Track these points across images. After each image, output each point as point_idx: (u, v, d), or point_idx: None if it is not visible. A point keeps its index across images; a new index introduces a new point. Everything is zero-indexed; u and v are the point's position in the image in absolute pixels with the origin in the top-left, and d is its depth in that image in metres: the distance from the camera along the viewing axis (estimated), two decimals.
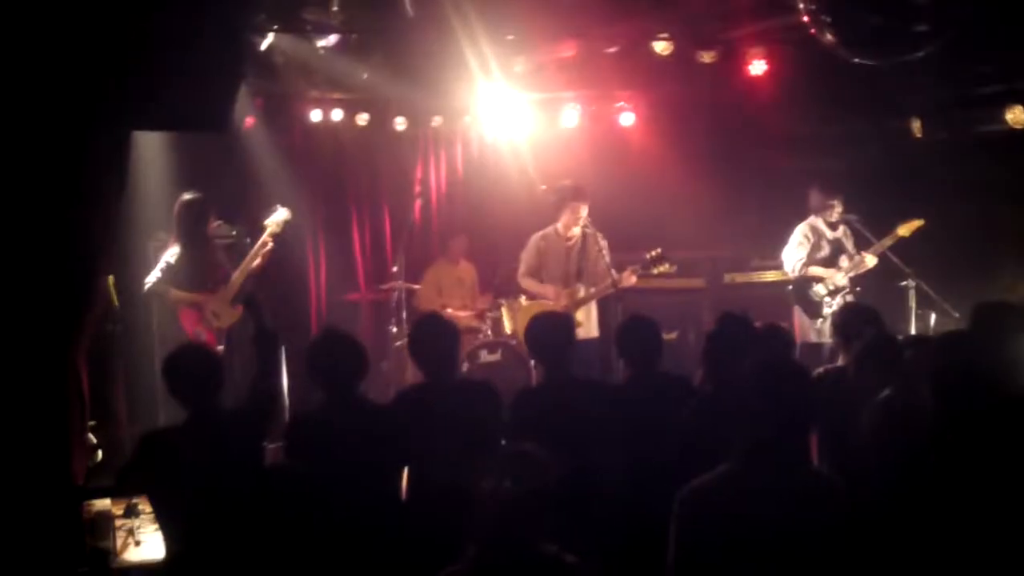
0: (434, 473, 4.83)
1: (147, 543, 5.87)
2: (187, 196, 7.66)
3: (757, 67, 8.70)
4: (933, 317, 8.33)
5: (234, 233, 8.26)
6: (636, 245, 8.56)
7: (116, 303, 7.10)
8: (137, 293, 7.54)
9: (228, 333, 7.71)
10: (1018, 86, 8.11)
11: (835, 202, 8.57)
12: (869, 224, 8.56)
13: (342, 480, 4.47)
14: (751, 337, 5.04)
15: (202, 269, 7.70)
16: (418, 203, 9.83)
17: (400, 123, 9.94)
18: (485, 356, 8.90)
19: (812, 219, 8.71)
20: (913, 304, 8.40)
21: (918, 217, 8.44)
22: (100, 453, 6.76)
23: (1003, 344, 3.14)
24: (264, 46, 8.01)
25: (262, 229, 7.90)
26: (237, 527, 4.24)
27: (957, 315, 7.97)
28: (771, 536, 3.11)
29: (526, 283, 8.38)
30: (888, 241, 8.43)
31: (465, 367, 8.27)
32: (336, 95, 9.50)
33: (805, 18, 5.94)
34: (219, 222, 7.95)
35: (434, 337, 5.14)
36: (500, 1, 7.79)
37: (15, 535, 4.83)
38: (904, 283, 8.39)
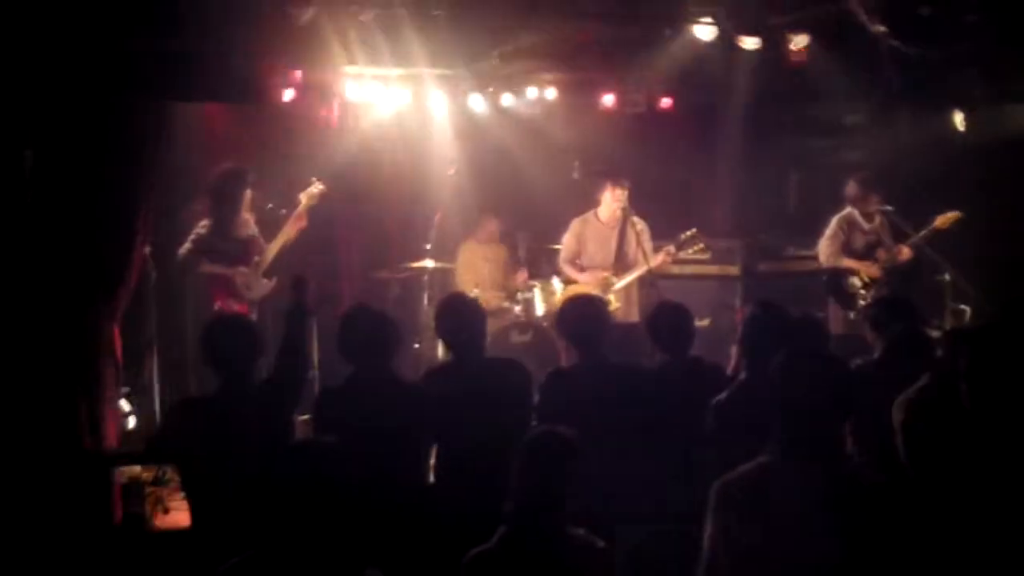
0: (463, 451, 4.84)
1: (175, 511, 5.91)
2: (224, 167, 7.68)
3: (800, 54, 8.60)
4: (968, 311, 8.26)
5: (269, 206, 8.27)
6: (671, 232, 8.52)
7: (152, 273, 7.14)
8: (171, 263, 7.56)
9: (260, 305, 7.73)
10: None
11: (872, 195, 8.50)
12: (907, 216, 8.48)
13: (370, 455, 4.47)
14: (787, 326, 5.00)
15: (235, 240, 7.71)
16: (453, 182, 9.79)
17: (438, 101, 9.89)
18: (516, 337, 8.90)
19: (848, 210, 8.64)
20: (949, 298, 8.33)
21: (956, 210, 8.36)
22: (132, 419, 6.81)
23: None
24: (304, 19, 7.99)
25: (296, 202, 7.91)
26: (264, 498, 4.26)
27: (992, 309, 7.89)
28: (809, 529, 3.09)
29: (566, 269, 8.39)
30: (925, 233, 8.35)
31: (495, 347, 8.27)
32: (375, 71, 9.47)
33: (852, 6, 5.87)
34: (254, 194, 7.97)
35: (458, 317, 5.15)
36: None
37: (48, 498, 4.88)
38: (940, 276, 8.32)
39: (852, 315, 8.35)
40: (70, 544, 4.94)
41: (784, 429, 3.25)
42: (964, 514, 2.88)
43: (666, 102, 10.03)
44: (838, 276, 8.57)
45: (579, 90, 9.89)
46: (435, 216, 9.42)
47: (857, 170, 8.77)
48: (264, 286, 7.67)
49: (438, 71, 9.28)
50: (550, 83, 9.64)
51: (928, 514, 3.00)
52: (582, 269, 8.26)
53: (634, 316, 8.09)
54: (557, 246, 8.64)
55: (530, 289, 9.29)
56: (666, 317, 5.37)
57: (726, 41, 8.19)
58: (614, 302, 7.76)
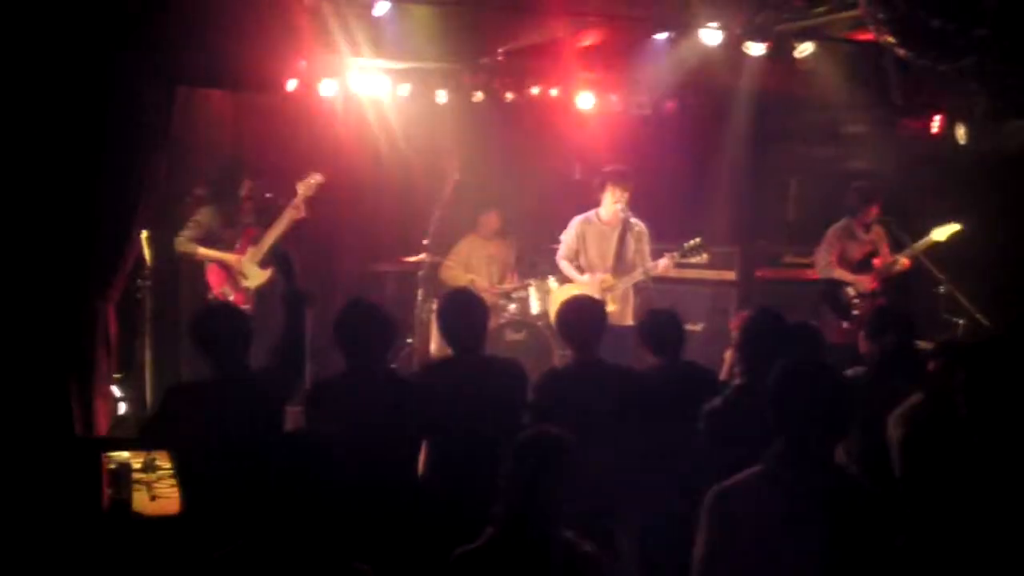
0: (455, 448, 4.83)
1: (163, 499, 5.88)
2: (223, 157, 7.68)
3: (802, 61, 8.60)
4: (962, 324, 8.25)
5: (268, 195, 8.27)
6: (670, 235, 8.51)
7: (148, 258, 7.12)
8: (168, 249, 7.55)
9: (257, 294, 7.72)
10: None
11: (871, 205, 8.51)
12: (907, 227, 8.48)
13: (362, 449, 4.46)
14: (785, 333, 5.00)
15: (233, 229, 7.72)
16: (455, 176, 9.77)
17: (442, 95, 9.88)
18: (510, 335, 8.90)
19: (846, 220, 8.66)
20: (943, 310, 8.34)
21: (956, 223, 8.36)
22: (124, 405, 6.80)
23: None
24: (311, 9, 7.97)
25: (295, 192, 7.90)
26: (254, 489, 4.24)
27: (987, 324, 7.89)
28: (801, 539, 3.08)
29: (563, 267, 8.36)
30: (922, 245, 8.36)
31: (489, 345, 8.26)
32: (381, 63, 9.46)
33: (862, 14, 5.86)
34: (253, 183, 7.96)
35: (463, 312, 5.13)
36: None
37: (37, 482, 4.86)
38: (936, 288, 8.32)
39: (846, 324, 8.35)
40: (57, 530, 4.92)
41: (782, 439, 3.24)
42: (960, 527, 2.88)
43: (670, 105, 10.03)
44: (833, 285, 8.59)
45: (583, 90, 9.89)
46: (434, 211, 9.39)
47: (857, 180, 8.77)
48: (261, 275, 7.66)
49: (443, 66, 9.27)
50: (554, 82, 9.64)
51: (924, 527, 3.00)
52: (581, 270, 8.23)
53: (628, 319, 8.07)
54: (555, 245, 8.61)
55: (526, 288, 9.28)
56: (657, 323, 5.40)
57: (732, 47, 8.19)
58: (610, 304, 7.74)
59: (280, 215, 7.84)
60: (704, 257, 8.10)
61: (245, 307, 7.52)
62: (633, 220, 8.06)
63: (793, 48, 8.16)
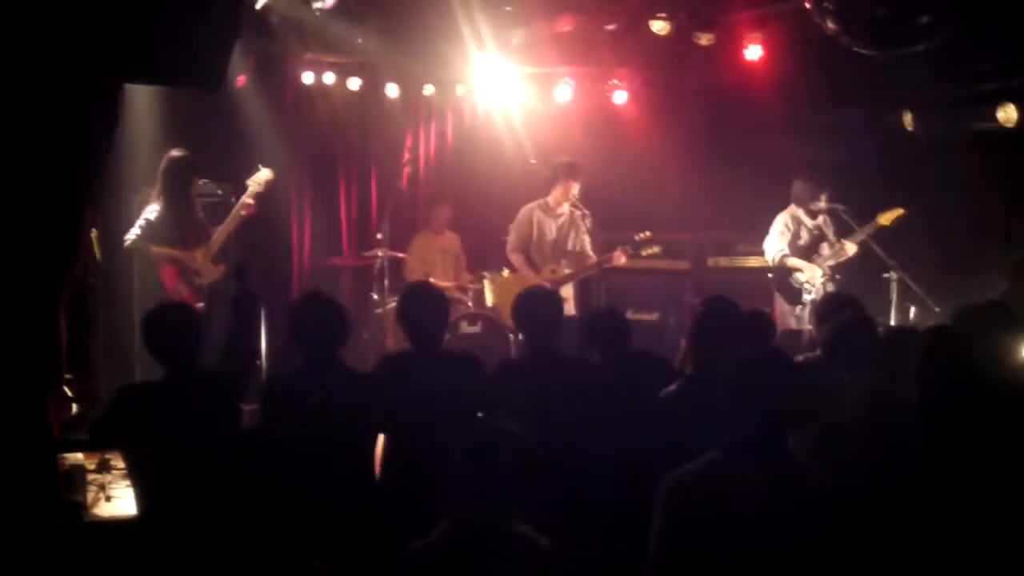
0: (412, 443, 4.82)
1: (118, 499, 5.84)
2: (174, 153, 7.61)
3: (753, 52, 8.67)
4: (913, 310, 8.35)
5: (219, 192, 8.22)
6: (623, 224, 8.56)
7: (98, 257, 7.05)
8: (118, 247, 7.48)
9: (208, 290, 7.67)
10: (1012, 85, 8.10)
11: (819, 194, 8.58)
12: (857, 215, 8.57)
13: (317, 445, 4.44)
14: (736, 321, 5.03)
15: (184, 226, 7.65)
16: (406, 171, 9.77)
17: (392, 90, 9.87)
18: (465, 327, 8.91)
19: (792, 208, 8.74)
20: (895, 296, 8.43)
21: (902, 208, 8.46)
22: (76, 406, 6.73)
23: (992, 342, 3.13)
24: (260, 4, 7.93)
25: (245, 189, 7.86)
26: (209, 487, 4.22)
27: (938, 309, 7.99)
28: (755, 526, 3.10)
29: (514, 260, 8.36)
30: (869, 229, 8.43)
31: (445, 338, 8.26)
32: (330, 58, 9.43)
33: (807, 4, 5.91)
34: (204, 180, 7.91)
35: (423, 306, 5.12)
36: None
37: None
38: (887, 275, 8.41)
39: (798, 310, 8.44)
40: (10, 534, 4.87)
41: (736, 427, 3.26)
42: (919, 514, 2.90)
43: (621, 96, 10.07)
44: (784, 273, 8.66)
45: (535, 81, 9.92)
46: (387, 205, 9.38)
47: (804, 170, 8.85)
48: (213, 271, 7.61)
49: (393, 60, 9.25)
50: (506, 74, 9.65)
51: (879, 513, 3.01)
52: (533, 261, 8.23)
53: (571, 311, 8.11)
54: (507, 237, 8.61)
55: (480, 280, 9.30)
56: (599, 321, 5.41)
57: (681, 36, 8.23)
58: (563, 294, 7.77)
59: (231, 212, 7.79)
60: (655, 249, 8.14)
61: (198, 304, 7.46)
62: (583, 212, 8.08)
63: (743, 38, 8.22)
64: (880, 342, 5.11)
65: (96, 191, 5.49)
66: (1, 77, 4.94)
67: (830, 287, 8.45)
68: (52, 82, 5.08)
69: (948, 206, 9.08)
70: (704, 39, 8.15)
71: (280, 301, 8.14)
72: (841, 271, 8.64)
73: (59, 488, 5.49)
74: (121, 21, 4.95)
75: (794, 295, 8.56)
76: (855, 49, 5.96)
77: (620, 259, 7.96)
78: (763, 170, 9.70)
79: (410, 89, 10.01)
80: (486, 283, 9.24)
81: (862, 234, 8.43)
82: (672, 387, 4.77)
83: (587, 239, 8.06)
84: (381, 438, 5.02)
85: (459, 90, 10.06)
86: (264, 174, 7.86)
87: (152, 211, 7.52)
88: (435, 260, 9.73)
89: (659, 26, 8.02)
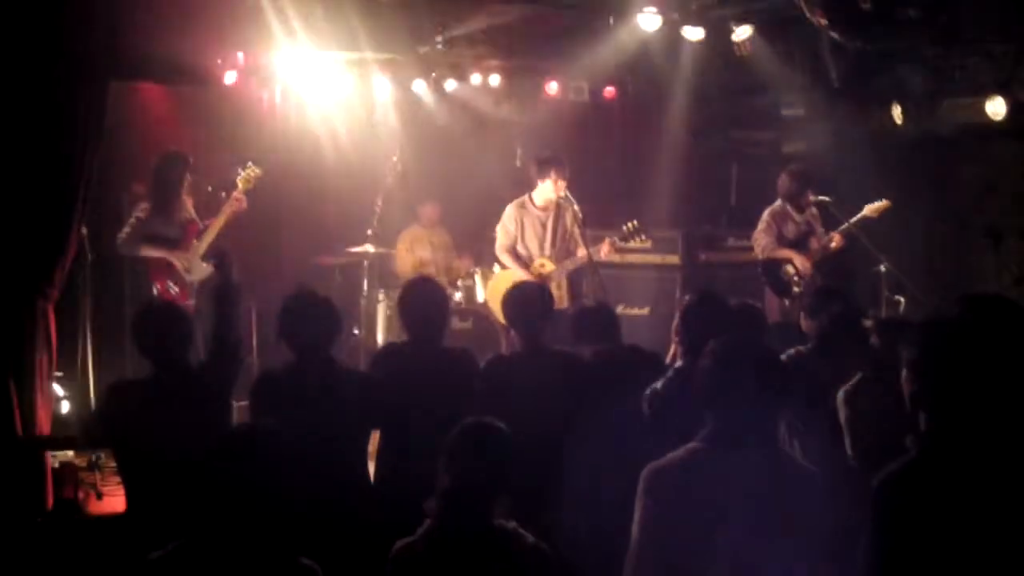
0: (407, 439, 4.82)
1: (109, 496, 5.85)
2: (165, 151, 7.61)
3: (741, 46, 8.67)
4: (903, 303, 8.38)
5: (209, 189, 8.21)
6: (613, 221, 8.55)
7: (89, 255, 7.04)
8: (109, 245, 7.47)
9: (199, 288, 7.66)
10: (1000, 78, 8.12)
11: (805, 190, 8.60)
12: (846, 209, 8.59)
13: (308, 442, 4.44)
14: (725, 315, 5.04)
15: (174, 224, 7.65)
16: (396, 166, 9.74)
17: (382, 86, 9.85)
18: (456, 323, 8.91)
19: (779, 203, 8.75)
20: (884, 289, 8.45)
21: (891, 202, 8.48)
22: (66, 404, 6.72)
23: (992, 336, 3.12)
24: (251, 1, 7.92)
25: (235, 186, 7.85)
26: (199, 484, 4.21)
27: (927, 301, 8.02)
28: (736, 517, 3.10)
29: (503, 258, 8.34)
30: (854, 221, 8.45)
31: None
32: (320, 54, 9.40)
33: None
34: (194, 177, 7.90)
35: (425, 300, 5.12)
36: None
37: None
38: (876, 268, 8.43)
39: (787, 303, 8.45)
40: (1, 531, 4.87)
41: (714, 417, 3.27)
42: (916, 502, 2.90)
43: (609, 91, 10.07)
44: (773, 265, 8.67)
45: (523, 77, 9.91)
46: (376, 201, 9.37)
47: (790, 163, 8.87)
48: (204, 269, 7.60)
49: (382, 56, 9.24)
50: (494, 70, 9.64)
51: (877, 503, 3.01)
52: (521, 258, 8.22)
53: (564, 303, 8.11)
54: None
55: (471, 276, 9.30)
56: (588, 316, 5.42)
57: (670, 31, 8.23)
58: (553, 289, 7.77)
59: (220, 209, 7.79)
60: (644, 239, 8.13)
61: (189, 302, 7.46)
62: (574, 206, 8.06)
63: (730, 32, 8.22)
64: (868, 335, 5.11)
65: (86, 189, 5.49)
66: None
67: (819, 280, 8.47)
68: (42, 82, 5.09)
69: (937, 200, 9.11)
70: (692, 34, 8.15)
71: (270, 298, 8.14)
72: (830, 264, 8.66)
73: (49, 486, 5.49)
74: (112, 19, 4.95)
75: (784, 288, 8.57)
76: (844, 42, 5.98)
77: (604, 250, 7.95)
78: (752, 164, 9.73)
79: (400, 85, 9.99)
80: (477, 279, 9.24)
81: (849, 226, 8.46)
82: (660, 381, 4.78)
83: (577, 232, 8.05)
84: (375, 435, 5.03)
85: (448, 85, 10.04)
86: (253, 171, 7.85)
87: (143, 209, 7.52)
88: (426, 255, 9.73)
89: (650, 21, 8.01)
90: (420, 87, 9.86)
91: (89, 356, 7.34)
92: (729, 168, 10.47)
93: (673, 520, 3.17)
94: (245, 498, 3.07)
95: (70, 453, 5.89)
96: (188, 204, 7.84)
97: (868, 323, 5.52)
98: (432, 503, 3.37)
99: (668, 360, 5.38)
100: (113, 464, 5.28)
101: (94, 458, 6.17)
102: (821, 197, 8.59)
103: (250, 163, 7.89)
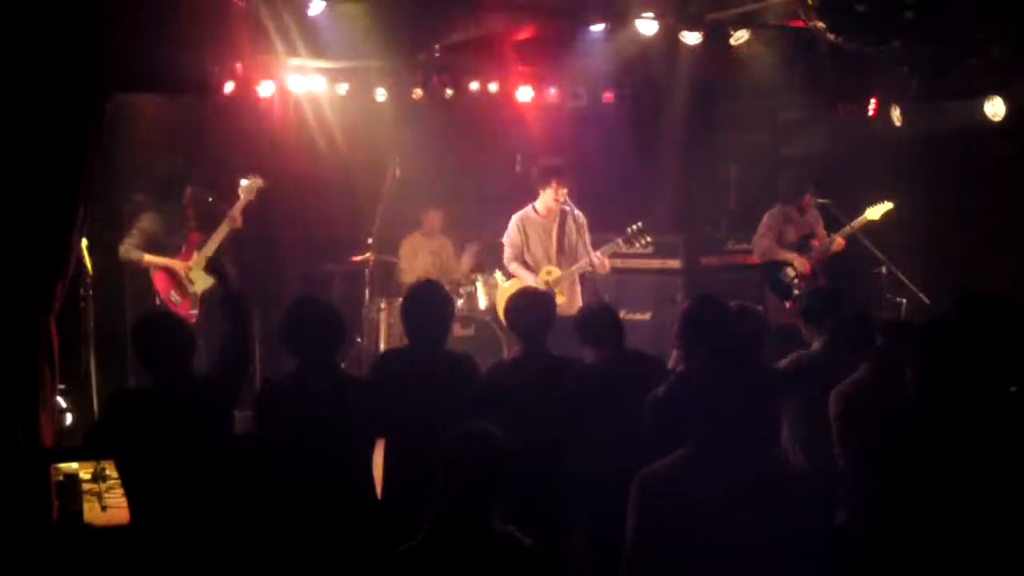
0: (413, 445, 4.81)
1: (113, 508, 5.84)
2: (166, 162, 7.63)
3: (739, 49, 8.68)
4: (905, 304, 8.38)
5: (211, 199, 8.22)
6: (614, 225, 8.56)
7: (89, 266, 7.06)
8: (110, 257, 7.48)
9: (203, 298, 7.68)
10: (998, 78, 8.13)
11: (805, 192, 8.62)
12: (846, 211, 8.61)
13: (312, 450, 4.45)
14: (725, 319, 5.04)
15: (176, 234, 7.67)
16: (396, 174, 9.75)
17: (381, 94, 9.87)
18: (458, 330, 8.90)
19: (780, 205, 8.76)
20: (885, 290, 8.46)
21: (892, 204, 8.49)
22: (69, 416, 6.73)
23: (993, 336, 3.11)
24: (248, 10, 7.93)
25: (237, 196, 7.87)
26: (203, 495, 4.21)
27: (929, 303, 8.02)
28: (726, 521, 3.09)
29: (513, 269, 8.34)
30: (857, 224, 8.48)
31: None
32: (318, 63, 9.42)
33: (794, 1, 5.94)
34: (196, 188, 7.91)
35: (427, 305, 5.13)
36: None
37: None
38: (877, 269, 8.44)
39: (788, 305, 8.46)
40: (5, 544, 4.87)
41: (703, 422, 3.27)
42: (919, 504, 2.90)
43: (608, 96, 10.08)
44: (773, 268, 8.69)
45: (521, 84, 9.92)
46: (377, 209, 9.38)
47: (790, 166, 8.89)
48: (207, 279, 7.62)
49: (381, 64, 9.25)
50: (493, 76, 9.65)
51: (880, 506, 3.01)
52: (528, 267, 8.24)
53: (575, 309, 8.10)
54: (498, 240, 8.62)
55: (472, 283, 9.31)
56: (592, 318, 5.42)
57: (668, 36, 8.24)
58: (559, 296, 7.78)
59: (223, 219, 7.81)
60: (648, 242, 8.14)
61: (192, 312, 7.49)
62: (574, 211, 8.07)
63: (729, 36, 8.23)
64: (874, 335, 5.12)
65: (86, 201, 5.49)
66: None
67: (820, 281, 8.49)
68: (41, 93, 5.09)
69: (937, 200, 9.11)
70: (691, 37, 8.16)
71: (273, 307, 8.15)
72: (831, 266, 8.67)
73: (54, 498, 5.49)
74: (112, 30, 4.96)
75: (784, 290, 8.59)
76: (842, 45, 5.99)
77: (604, 267, 7.97)
78: (753, 167, 9.74)
79: (399, 93, 10.00)
80: (478, 286, 9.25)
81: (850, 228, 8.47)
82: (661, 387, 4.78)
83: (583, 236, 8.06)
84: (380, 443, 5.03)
85: (448, 93, 10.05)
86: (256, 182, 7.87)
87: (145, 219, 7.54)
88: (426, 262, 9.74)
89: (646, 25, 8.02)
90: (419, 94, 9.88)
91: (92, 368, 7.35)
92: (728, 171, 10.47)
93: (665, 526, 3.17)
94: (247, 507, 3.08)
95: (74, 465, 5.90)
96: (191, 214, 7.86)
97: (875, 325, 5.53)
98: (430, 509, 3.38)
99: (670, 365, 5.38)
100: (116, 476, 5.28)
101: (98, 470, 6.17)
102: (822, 199, 8.61)
103: (251, 173, 7.91)
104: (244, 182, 7.87)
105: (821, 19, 5.60)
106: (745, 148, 10.07)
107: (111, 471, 5.98)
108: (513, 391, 4.98)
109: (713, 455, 3.19)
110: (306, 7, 7.55)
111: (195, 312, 7.50)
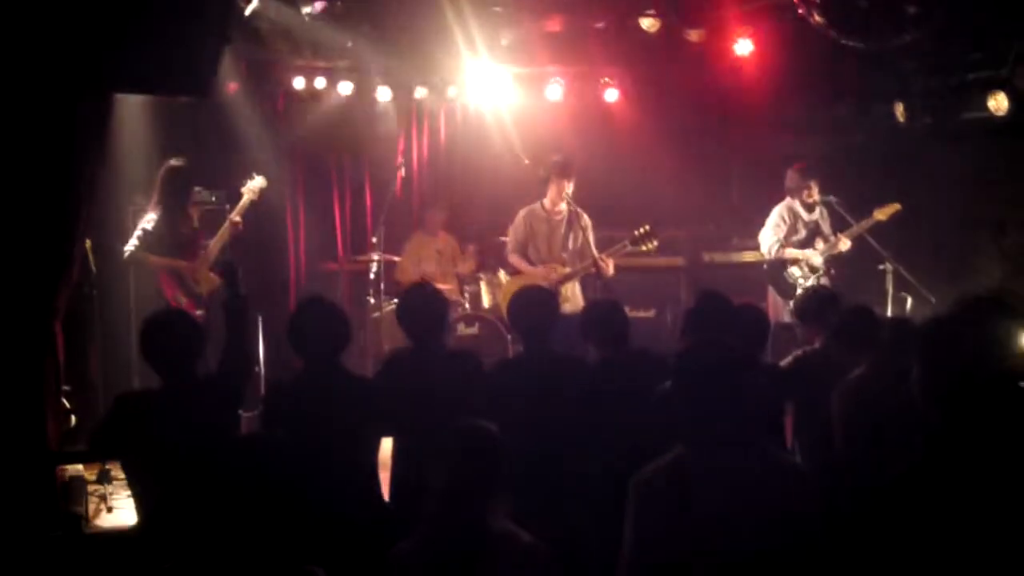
0: (419, 444, 4.82)
1: (119, 510, 5.85)
2: (172, 162, 7.63)
3: (744, 47, 8.69)
4: (910, 301, 8.37)
5: (213, 199, 8.23)
6: (617, 221, 8.57)
7: (93, 268, 7.06)
8: (114, 258, 7.49)
9: (208, 299, 7.68)
10: (1002, 74, 8.12)
11: (811, 184, 8.62)
12: (850, 207, 8.60)
13: (318, 450, 4.44)
14: (729, 316, 5.04)
15: (181, 235, 7.67)
16: (400, 174, 9.76)
17: (383, 93, 9.88)
18: (462, 329, 8.92)
19: (789, 201, 8.76)
20: (890, 287, 8.45)
21: (897, 201, 8.49)
22: (74, 418, 6.73)
23: (994, 332, 3.10)
24: (249, 11, 7.94)
25: (240, 196, 7.88)
26: (209, 495, 4.21)
27: (934, 300, 8.01)
28: (723, 520, 3.09)
29: (514, 261, 8.36)
30: (864, 224, 8.48)
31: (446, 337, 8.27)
32: (320, 63, 9.43)
33: None
34: (199, 188, 7.92)
35: (423, 305, 5.13)
36: None
37: None
38: (882, 267, 8.43)
39: (792, 304, 8.46)
40: (11, 546, 4.87)
41: (697, 421, 3.26)
42: (921, 504, 2.89)
43: (612, 94, 10.08)
44: (779, 266, 8.68)
45: (526, 81, 9.92)
46: (382, 209, 9.38)
47: (797, 161, 8.88)
48: (212, 280, 7.62)
49: (384, 63, 9.26)
50: (496, 75, 9.65)
51: (882, 505, 3.00)
52: (532, 263, 8.25)
53: (579, 307, 8.11)
54: (504, 238, 8.63)
55: (476, 281, 9.31)
56: (599, 314, 5.41)
57: (672, 33, 8.24)
58: (564, 294, 7.78)
59: (228, 219, 7.82)
60: (654, 244, 8.15)
61: (198, 313, 7.47)
62: (578, 211, 8.10)
63: (732, 34, 8.23)
64: (877, 331, 5.11)
65: (88, 202, 5.50)
66: None
67: (825, 281, 8.49)
68: (42, 94, 5.09)
69: (941, 196, 9.10)
70: (694, 35, 8.16)
71: (277, 307, 8.16)
72: (836, 264, 8.66)
73: (59, 500, 5.50)
74: (110, 31, 4.95)
75: (788, 289, 8.58)
76: (843, 42, 5.99)
77: (608, 270, 7.97)
78: (755, 164, 9.72)
79: (402, 92, 10.02)
80: (482, 285, 9.26)
81: (858, 228, 8.47)
82: (666, 385, 4.78)
83: (588, 237, 8.07)
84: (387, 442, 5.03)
85: (451, 92, 10.06)
86: (257, 182, 7.89)
87: (149, 220, 7.54)
88: (431, 262, 9.74)
89: (648, 23, 8.02)
90: (423, 93, 9.88)
91: (97, 369, 7.36)
92: (732, 169, 10.47)
93: (662, 526, 3.16)
94: (253, 508, 3.07)
95: (79, 467, 5.91)
96: (195, 215, 7.87)
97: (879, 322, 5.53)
98: (427, 507, 3.39)
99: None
100: (122, 477, 5.28)
101: (103, 471, 6.18)
102: (827, 197, 8.61)
103: (254, 174, 7.93)
104: (247, 183, 7.87)
105: (823, 15, 5.60)
106: (749, 145, 10.06)
107: (116, 473, 5.99)
108: (516, 390, 4.98)
109: (711, 454, 3.19)
110: (307, 7, 7.56)
111: (200, 313, 7.50)
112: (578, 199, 8.17)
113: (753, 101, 9.35)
